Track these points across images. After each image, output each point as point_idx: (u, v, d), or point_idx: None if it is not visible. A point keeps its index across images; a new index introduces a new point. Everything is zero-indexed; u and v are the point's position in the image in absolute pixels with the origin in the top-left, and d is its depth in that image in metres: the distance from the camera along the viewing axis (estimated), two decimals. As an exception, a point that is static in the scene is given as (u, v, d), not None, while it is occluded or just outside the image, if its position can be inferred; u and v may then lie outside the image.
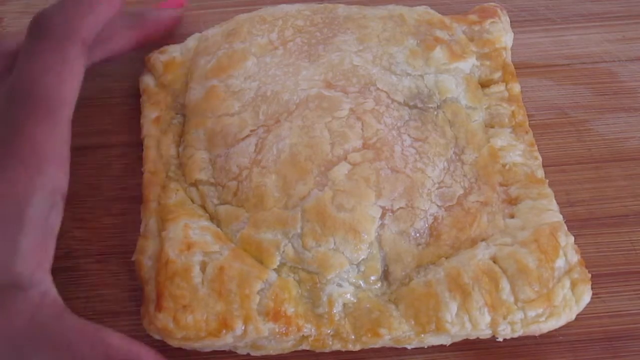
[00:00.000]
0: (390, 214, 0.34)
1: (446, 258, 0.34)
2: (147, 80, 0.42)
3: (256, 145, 0.36)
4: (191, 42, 0.43)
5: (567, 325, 0.34)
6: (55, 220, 0.30)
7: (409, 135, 0.37)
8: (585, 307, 0.35)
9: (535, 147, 0.39)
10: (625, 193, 0.40)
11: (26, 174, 0.29)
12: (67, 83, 0.31)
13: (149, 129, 0.39)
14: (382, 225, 0.34)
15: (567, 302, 0.33)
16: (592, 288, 0.35)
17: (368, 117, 0.37)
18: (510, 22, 0.45)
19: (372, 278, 0.34)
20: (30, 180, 0.29)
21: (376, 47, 0.40)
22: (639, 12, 0.50)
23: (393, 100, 0.38)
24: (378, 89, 0.38)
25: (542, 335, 0.34)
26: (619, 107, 0.45)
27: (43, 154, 0.29)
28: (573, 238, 0.35)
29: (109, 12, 0.34)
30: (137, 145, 0.40)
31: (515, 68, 0.43)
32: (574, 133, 0.42)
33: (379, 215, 0.34)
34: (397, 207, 0.35)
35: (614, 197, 0.39)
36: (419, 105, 0.38)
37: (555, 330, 0.34)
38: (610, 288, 0.36)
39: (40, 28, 0.31)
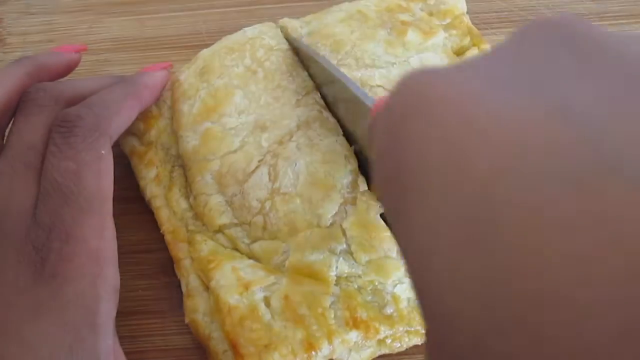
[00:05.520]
0: None
1: None
2: (131, 142, 0.40)
3: (269, 174, 0.36)
4: (164, 91, 0.41)
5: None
6: (114, 315, 0.30)
7: None
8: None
9: None
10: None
11: (88, 281, 0.28)
12: (105, 179, 0.31)
13: (152, 190, 0.38)
14: None
15: None
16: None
17: None
18: (511, 22, 0.46)
19: None
20: (93, 286, 0.29)
21: (353, 50, 0.40)
22: (638, 11, 0.50)
23: None
24: (372, 86, 0.38)
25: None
26: (618, 106, 0.45)
27: (100, 257, 0.29)
28: None
29: (133, 114, 0.36)
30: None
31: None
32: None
33: None
34: None
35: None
36: None
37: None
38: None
39: (72, 126, 0.31)
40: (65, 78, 0.39)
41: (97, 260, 0.29)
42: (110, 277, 0.30)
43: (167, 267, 0.36)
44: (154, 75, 0.39)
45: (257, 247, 0.35)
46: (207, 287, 0.34)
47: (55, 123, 0.32)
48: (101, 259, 0.29)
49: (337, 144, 0.36)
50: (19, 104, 0.33)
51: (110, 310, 0.29)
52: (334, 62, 0.40)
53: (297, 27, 0.43)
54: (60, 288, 0.28)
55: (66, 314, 0.28)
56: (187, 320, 0.34)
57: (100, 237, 0.30)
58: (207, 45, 0.43)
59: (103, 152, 0.32)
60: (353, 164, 0.36)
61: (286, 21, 0.44)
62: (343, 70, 0.39)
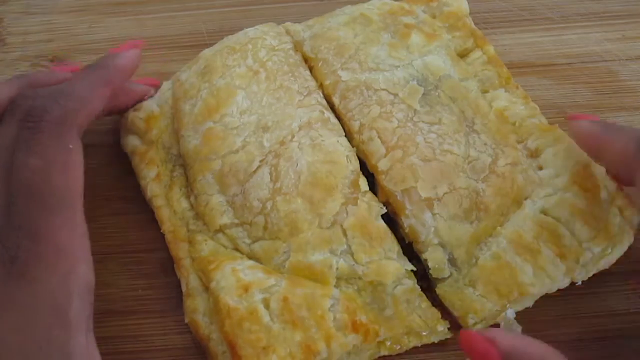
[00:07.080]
0: (438, 202, 0.35)
1: (500, 226, 0.35)
2: (132, 141, 0.40)
3: (270, 174, 0.36)
4: (165, 91, 0.41)
5: (567, 325, 0.35)
6: (90, 313, 0.29)
7: (423, 122, 0.37)
8: (585, 306, 0.35)
9: (529, 98, 0.41)
10: (625, 192, 0.40)
11: (59, 279, 0.28)
12: (73, 174, 0.31)
13: (153, 189, 0.38)
14: (434, 216, 0.35)
15: (622, 228, 0.35)
16: (591, 287, 0.35)
17: (379, 123, 0.37)
18: (510, 21, 0.46)
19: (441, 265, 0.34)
20: (64, 285, 0.28)
21: (356, 54, 0.40)
22: (638, 11, 0.51)
23: (395, 95, 0.38)
24: (377, 90, 0.38)
25: (542, 335, 0.34)
26: (619, 106, 0.45)
27: (70, 254, 0.29)
28: (604, 168, 0.36)
29: (105, 100, 0.35)
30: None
31: (515, 67, 0.43)
32: (574, 132, 0.42)
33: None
34: (442, 192, 0.35)
35: (614, 196, 0.39)
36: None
37: (555, 329, 0.34)
38: (610, 287, 0.36)
39: (38, 121, 0.31)
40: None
41: (68, 258, 0.29)
42: (82, 274, 0.29)
43: (167, 266, 0.37)
44: (125, 55, 0.38)
45: (257, 247, 0.35)
46: (207, 287, 0.34)
47: (21, 118, 0.31)
48: (72, 256, 0.29)
49: (338, 145, 0.36)
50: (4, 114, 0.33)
51: (82, 308, 0.29)
52: (337, 65, 0.40)
53: (300, 30, 0.43)
54: (30, 286, 0.28)
55: (36, 313, 0.27)
56: (186, 320, 0.34)
57: (70, 235, 0.29)
58: (207, 45, 0.43)
59: (71, 146, 0.31)
60: (354, 165, 0.36)
61: (288, 25, 0.43)
62: (346, 73, 0.39)
